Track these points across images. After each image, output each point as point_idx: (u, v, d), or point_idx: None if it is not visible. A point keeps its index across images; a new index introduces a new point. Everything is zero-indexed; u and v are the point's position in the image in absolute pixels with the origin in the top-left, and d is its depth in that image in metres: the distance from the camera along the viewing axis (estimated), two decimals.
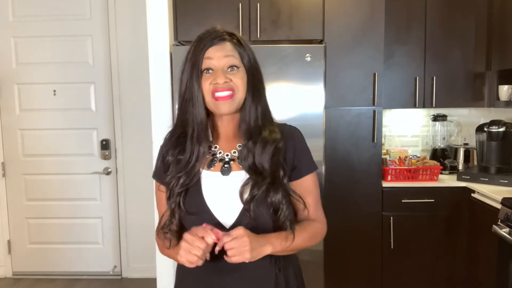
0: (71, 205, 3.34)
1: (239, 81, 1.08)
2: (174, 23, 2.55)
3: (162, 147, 1.19)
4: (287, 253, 1.12)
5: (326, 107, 2.51)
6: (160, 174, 1.16)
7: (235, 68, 1.08)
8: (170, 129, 1.21)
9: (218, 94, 1.06)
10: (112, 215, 3.36)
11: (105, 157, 3.29)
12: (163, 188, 1.15)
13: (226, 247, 0.98)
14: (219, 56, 1.07)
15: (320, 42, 2.58)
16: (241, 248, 0.98)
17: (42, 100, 3.28)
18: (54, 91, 3.27)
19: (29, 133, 3.32)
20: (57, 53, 3.23)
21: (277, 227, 1.08)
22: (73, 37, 3.22)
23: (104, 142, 3.28)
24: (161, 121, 2.46)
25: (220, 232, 1.01)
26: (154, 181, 1.23)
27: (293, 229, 1.08)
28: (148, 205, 2.56)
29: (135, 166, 3.29)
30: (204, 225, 1.02)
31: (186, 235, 1.00)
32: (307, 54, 2.41)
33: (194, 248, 0.98)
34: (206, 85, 1.07)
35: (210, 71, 1.08)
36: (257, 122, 1.12)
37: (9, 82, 3.28)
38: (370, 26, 2.57)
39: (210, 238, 0.99)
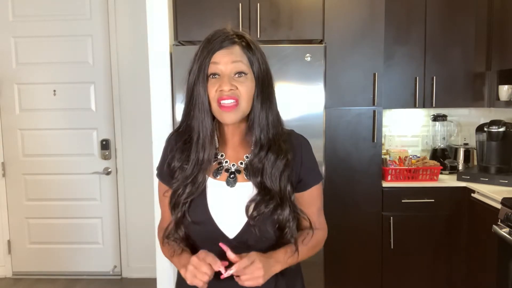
0: (71, 205, 3.34)
1: (245, 89, 1.03)
2: (174, 23, 2.55)
3: (166, 148, 1.16)
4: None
5: (326, 107, 2.51)
6: (166, 176, 1.14)
7: (242, 74, 1.04)
8: (171, 128, 1.19)
9: (223, 102, 1.02)
10: (112, 215, 3.36)
11: (105, 157, 3.29)
12: (168, 193, 1.12)
13: (239, 272, 0.98)
14: (226, 62, 1.02)
15: (320, 42, 2.58)
16: (255, 274, 0.98)
17: (42, 100, 3.27)
18: (54, 91, 3.27)
19: (29, 133, 3.32)
20: (57, 53, 3.23)
21: (281, 243, 1.08)
22: (73, 37, 3.22)
23: (104, 142, 3.28)
24: (161, 121, 2.46)
25: (232, 255, 1.00)
26: (155, 180, 1.21)
27: (297, 247, 1.07)
28: (148, 205, 2.56)
29: (135, 166, 3.29)
30: (220, 244, 1.01)
31: (193, 260, 0.99)
32: (307, 54, 2.41)
33: (199, 274, 0.97)
34: (212, 92, 1.03)
35: (217, 76, 1.03)
36: (267, 133, 1.07)
37: (9, 82, 3.28)
38: (370, 26, 2.57)
39: (218, 267, 0.98)
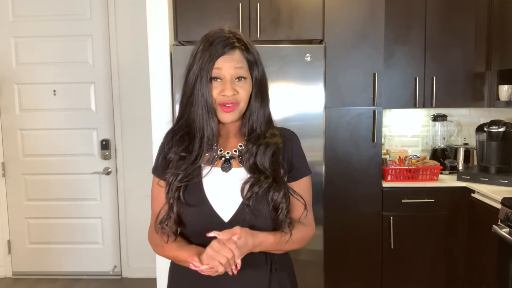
0: (71, 205, 3.34)
1: (244, 93, 1.11)
2: (174, 23, 2.55)
3: (163, 144, 1.20)
4: (273, 251, 1.14)
5: (326, 107, 2.51)
6: (161, 170, 1.17)
7: (242, 79, 1.11)
8: (169, 125, 1.22)
9: (225, 105, 1.10)
10: (112, 215, 3.36)
11: (105, 157, 3.29)
12: (162, 183, 1.15)
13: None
14: (229, 67, 1.09)
15: (320, 42, 2.58)
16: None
17: (42, 100, 3.28)
18: (54, 91, 3.27)
19: (29, 133, 3.32)
20: (57, 53, 3.23)
21: (275, 225, 1.12)
22: (73, 37, 3.22)
23: (104, 142, 3.28)
24: (161, 121, 2.46)
25: (222, 235, 1.02)
26: (152, 178, 1.22)
27: (291, 228, 1.11)
28: (148, 205, 2.56)
29: (135, 166, 3.29)
30: (207, 235, 1.02)
31: (214, 243, 1.00)
32: (307, 54, 2.41)
33: (219, 255, 0.99)
34: (215, 93, 1.09)
35: (219, 80, 1.10)
36: (261, 126, 1.15)
37: (9, 82, 3.28)
38: (370, 26, 2.57)
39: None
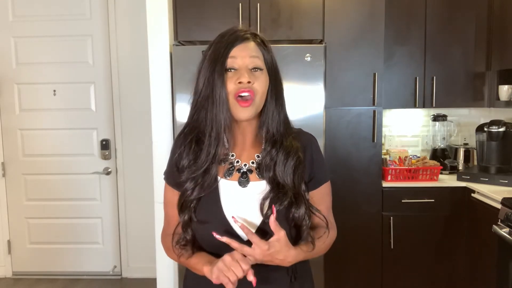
0: (71, 205, 3.34)
1: (261, 84, 1.04)
2: (174, 23, 2.54)
3: (174, 150, 1.12)
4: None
5: (326, 107, 2.51)
6: (174, 178, 1.10)
7: (258, 70, 1.04)
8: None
9: (241, 95, 1.01)
10: (112, 215, 3.36)
11: (105, 157, 3.29)
12: (176, 192, 1.10)
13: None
14: (244, 56, 1.03)
15: (320, 42, 2.58)
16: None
17: (42, 100, 3.28)
18: (54, 91, 3.27)
19: (29, 133, 3.32)
20: (57, 53, 3.23)
21: (297, 241, 1.06)
22: (73, 37, 3.22)
23: (104, 142, 3.28)
24: (161, 121, 2.47)
25: (236, 244, 0.97)
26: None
27: (314, 244, 1.06)
28: (148, 205, 2.56)
29: (135, 166, 3.29)
30: (215, 234, 0.98)
31: (227, 258, 0.95)
32: (307, 54, 2.41)
33: (229, 272, 0.94)
34: (231, 85, 1.01)
35: (233, 70, 1.03)
36: (279, 129, 1.08)
37: (9, 82, 3.28)
38: (370, 26, 2.57)
39: (249, 276, 0.95)
